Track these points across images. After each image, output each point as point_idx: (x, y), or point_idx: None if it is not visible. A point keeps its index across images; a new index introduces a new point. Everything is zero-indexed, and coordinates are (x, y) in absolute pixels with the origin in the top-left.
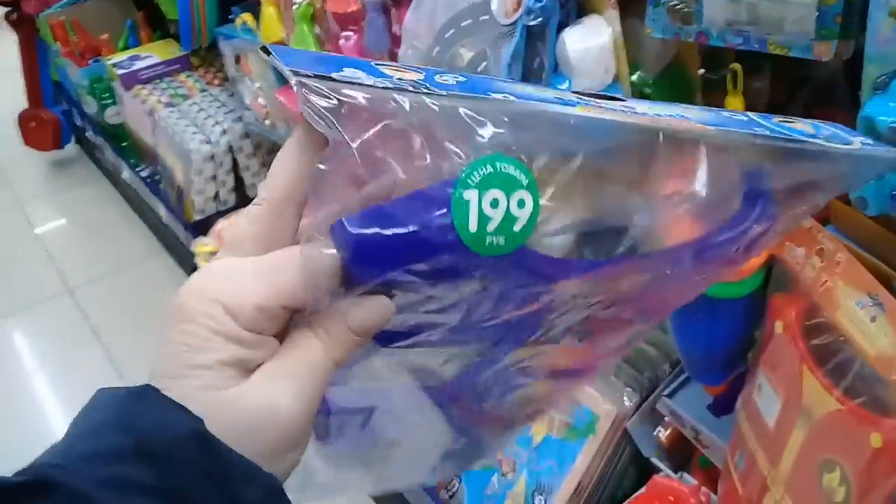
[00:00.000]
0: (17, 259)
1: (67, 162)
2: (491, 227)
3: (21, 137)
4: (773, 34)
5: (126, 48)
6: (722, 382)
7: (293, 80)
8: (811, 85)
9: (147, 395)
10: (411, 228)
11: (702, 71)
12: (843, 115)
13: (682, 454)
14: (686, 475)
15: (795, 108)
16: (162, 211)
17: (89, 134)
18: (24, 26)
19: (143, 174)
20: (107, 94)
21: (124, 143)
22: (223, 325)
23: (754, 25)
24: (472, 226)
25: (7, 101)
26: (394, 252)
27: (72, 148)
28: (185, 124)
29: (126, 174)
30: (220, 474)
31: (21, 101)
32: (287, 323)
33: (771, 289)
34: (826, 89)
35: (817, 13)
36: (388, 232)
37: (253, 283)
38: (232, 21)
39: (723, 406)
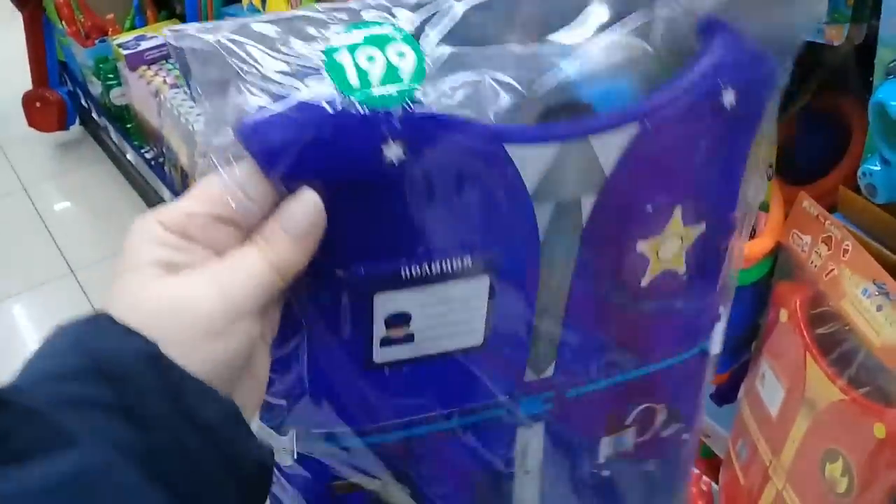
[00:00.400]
0: (21, 240)
1: (72, 143)
2: (374, 79)
3: (25, 118)
4: None
5: (132, 28)
6: (727, 370)
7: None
8: (822, 70)
9: (101, 322)
10: (301, 102)
11: None
12: (854, 101)
13: None
14: None
15: (806, 94)
16: (166, 193)
17: (94, 115)
18: (30, 5)
19: (148, 156)
20: (112, 75)
21: (129, 125)
22: (151, 233)
23: None
24: (353, 81)
25: (12, 81)
26: (293, 130)
27: (76, 129)
28: (189, 105)
29: (131, 156)
30: (176, 394)
31: (26, 82)
32: (230, 241)
33: (776, 277)
34: (837, 75)
35: None
36: (281, 111)
37: (184, 199)
38: (238, 1)
39: (725, 395)
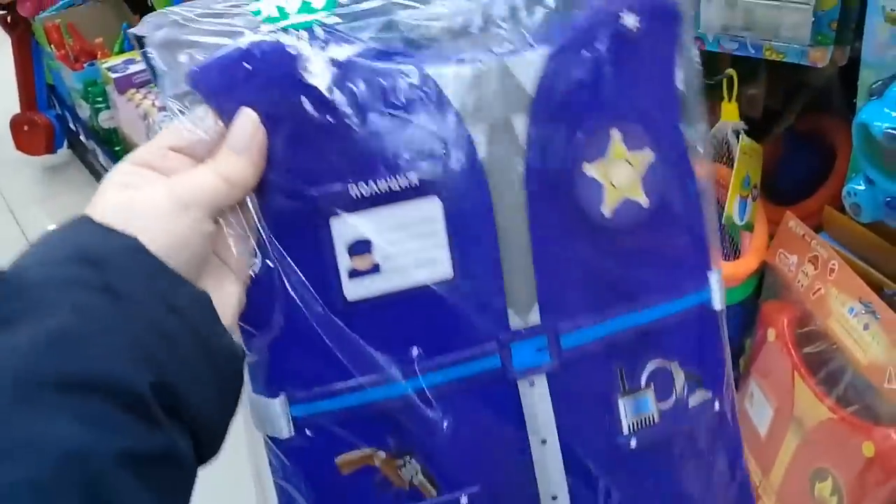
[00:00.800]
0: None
1: (60, 167)
2: (291, 12)
3: (13, 142)
4: (768, 40)
5: (122, 52)
6: None
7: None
8: (806, 92)
9: (83, 222)
10: (237, 45)
11: None
12: (838, 122)
13: None
14: None
15: (790, 115)
16: None
17: (82, 138)
18: (19, 29)
19: None
20: (101, 99)
21: (118, 148)
22: (119, 168)
23: (750, 31)
24: (274, 12)
25: (0, 105)
26: (229, 67)
27: (64, 153)
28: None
29: None
30: (152, 278)
31: (14, 106)
32: (187, 169)
33: (763, 297)
34: (821, 96)
35: (813, 19)
36: (221, 54)
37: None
38: None
39: None
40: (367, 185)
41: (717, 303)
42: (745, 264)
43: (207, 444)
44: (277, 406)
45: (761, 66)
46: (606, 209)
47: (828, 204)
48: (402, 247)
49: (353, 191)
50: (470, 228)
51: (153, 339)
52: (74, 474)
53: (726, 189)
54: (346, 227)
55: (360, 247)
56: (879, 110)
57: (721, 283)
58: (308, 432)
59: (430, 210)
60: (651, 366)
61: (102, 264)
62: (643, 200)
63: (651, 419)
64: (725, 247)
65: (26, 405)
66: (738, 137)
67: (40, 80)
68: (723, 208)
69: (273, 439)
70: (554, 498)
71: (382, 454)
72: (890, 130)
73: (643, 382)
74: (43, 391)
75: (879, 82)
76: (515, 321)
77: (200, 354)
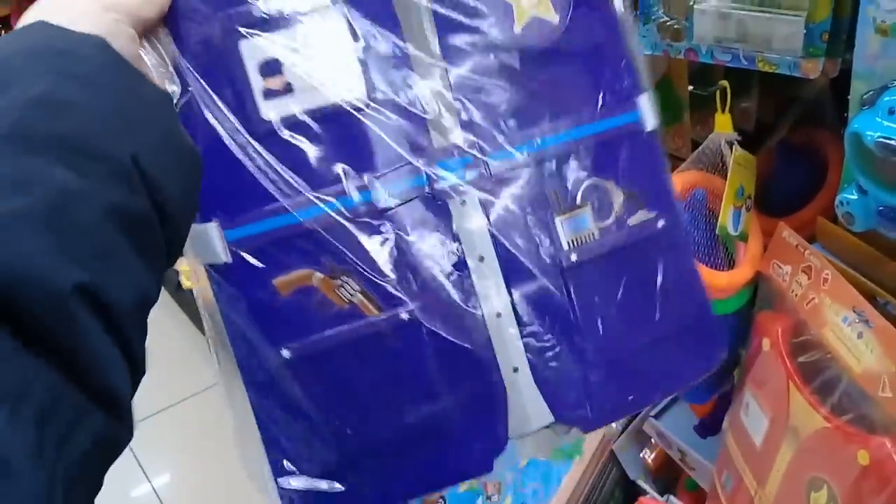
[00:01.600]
0: None
1: None
2: None
3: None
4: (761, 52)
5: None
6: (708, 399)
7: None
8: (798, 105)
9: (43, 23)
10: None
11: (691, 88)
12: (830, 135)
13: (669, 476)
14: (672, 498)
15: (783, 128)
16: None
17: None
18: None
19: None
20: None
21: None
22: None
23: (743, 43)
24: None
25: None
26: None
27: None
28: None
29: None
30: (119, 72)
31: None
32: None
33: (757, 307)
34: (813, 108)
35: (805, 31)
36: None
37: None
38: None
39: (709, 427)
40: (268, 2)
41: (649, 123)
42: (741, 274)
43: (172, 239)
44: (211, 231)
45: (754, 80)
46: (518, 26)
47: (820, 215)
48: (311, 66)
49: (257, 10)
50: (379, 48)
51: (124, 122)
52: (67, 214)
53: (720, 199)
54: (254, 48)
55: (271, 67)
56: (871, 119)
57: (652, 103)
58: (244, 255)
59: (336, 29)
60: (585, 184)
61: (72, 55)
62: (553, 18)
63: (591, 235)
64: (720, 257)
65: (21, 150)
66: (731, 148)
67: None
68: (717, 219)
69: (213, 267)
70: (498, 315)
71: (319, 275)
72: (882, 139)
73: (579, 200)
74: (34, 142)
75: (871, 92)
76: (439, 140)
77: (166, 145)
